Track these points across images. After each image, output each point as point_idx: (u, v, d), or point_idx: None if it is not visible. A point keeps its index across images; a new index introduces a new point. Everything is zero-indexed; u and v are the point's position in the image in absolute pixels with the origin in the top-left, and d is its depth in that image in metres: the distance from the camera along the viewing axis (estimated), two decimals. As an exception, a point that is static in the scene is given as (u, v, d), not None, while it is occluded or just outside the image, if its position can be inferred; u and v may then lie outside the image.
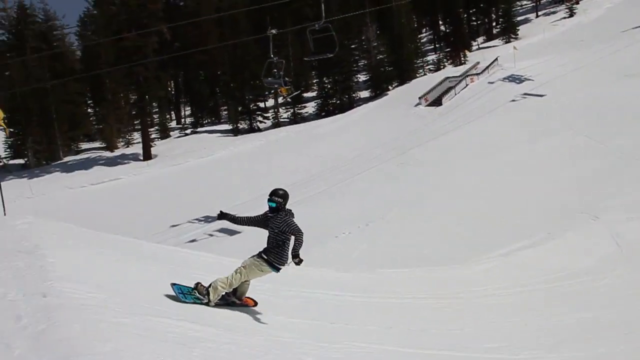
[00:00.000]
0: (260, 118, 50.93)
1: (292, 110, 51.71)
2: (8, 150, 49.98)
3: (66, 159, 46.74)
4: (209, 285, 5.84)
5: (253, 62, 48.75)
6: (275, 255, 5.96)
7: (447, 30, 60.18)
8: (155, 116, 56.70)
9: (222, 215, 6.29)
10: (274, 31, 11.88)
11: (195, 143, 44.42)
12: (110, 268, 6.30)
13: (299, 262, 5.75)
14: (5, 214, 8.61)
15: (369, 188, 25.94)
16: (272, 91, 55.23)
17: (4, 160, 47.73)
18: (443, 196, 22.89)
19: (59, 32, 55.31)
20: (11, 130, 40.65)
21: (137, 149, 45.17)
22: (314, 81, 55.68)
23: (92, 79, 48.92)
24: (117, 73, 44.31)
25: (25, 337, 3.81)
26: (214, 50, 48.34)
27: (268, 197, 6.14)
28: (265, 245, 6.05)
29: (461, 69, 47.73)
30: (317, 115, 50.24)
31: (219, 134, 48.00)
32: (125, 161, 42.17)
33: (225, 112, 55.93)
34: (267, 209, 6.18)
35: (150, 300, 5.43)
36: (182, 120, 60.46)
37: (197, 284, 5.90)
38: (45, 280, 5.00)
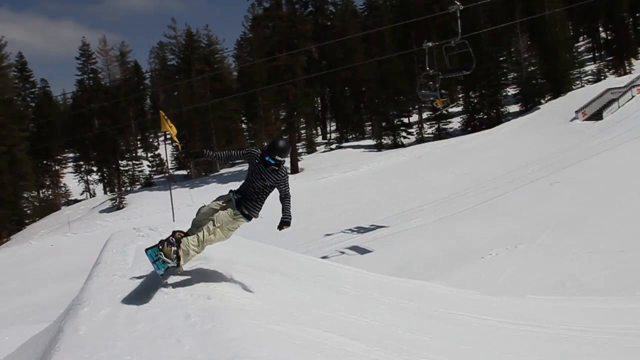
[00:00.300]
0: (404, 134, 50.85)
1: (436, 126, 50.89)
2: (174, 162, 55.48)
3: (222, 170, 50.63)
4: (178, 248, 5.23)
5: (397, 78, 48.97)
6: (255, 207, 5.49)
7: (609, 37, 55.27)
8: (302, 131, 59.19)
9: (196, 154, 5.84)
10: (429, 44, 11.79)
11: (340, 158, 45.55)
12: (264, 276, 6.66)
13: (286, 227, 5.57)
14: (174, 220, 9.51)
15: (519, 208, 24.49)
16: (417, 106, 54.94)
17: (170, 171, 53.07)
18: (604, 219, 20.86)
19: (219, 55, 60.45)
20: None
21: (285, 162, 47.41)
22: (460, 96, 54.32)
23: (246, 97, 52.56)
24: (268, 91, 47.10)
25: (194, 334, 4.15)
26: (359, 67, 49.36)
27: (267, 149, 5.43)
28: (242, 193, 5.44)
29: (626, 79, 43.49)
30: (462, 131, 48.89)
31: (363, 149, 48.77)
32: (274, 174, 44.45)
33: (370, 128, 56.65)
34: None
35: (301, 309, 5.63)
36: (328, 135, 62.36)
37: (163, 242, 5.26)
38: (208, 283, 5.42)
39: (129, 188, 51.86)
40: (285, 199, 5.60)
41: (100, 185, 61.11)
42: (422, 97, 12.61)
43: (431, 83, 11.90)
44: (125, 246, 7.60)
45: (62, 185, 60.03)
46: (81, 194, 60.71)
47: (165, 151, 16.66)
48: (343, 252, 22.43)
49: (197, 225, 5.52)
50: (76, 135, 58.10)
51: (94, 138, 56.38)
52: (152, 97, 75.52)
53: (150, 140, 76.89)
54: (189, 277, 5.63)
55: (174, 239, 5.25)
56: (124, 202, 41.61)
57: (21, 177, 49.03)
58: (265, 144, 5.70)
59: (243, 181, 5.61)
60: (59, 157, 61.50)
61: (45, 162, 58.43)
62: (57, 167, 60.77)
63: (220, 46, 61.60)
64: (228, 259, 6.95)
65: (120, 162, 58.13)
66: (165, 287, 5.36)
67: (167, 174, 32.72)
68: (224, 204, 5.44)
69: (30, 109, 58.81)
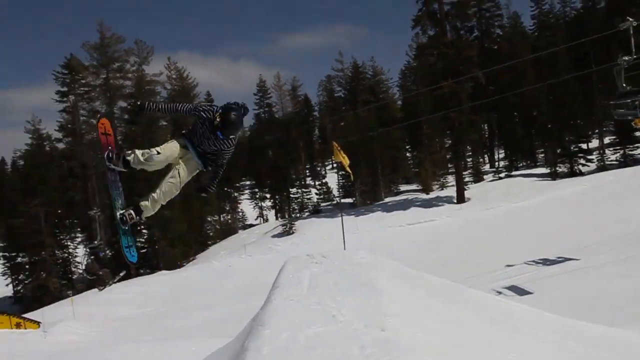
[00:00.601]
0: (582, 161, 46.73)
1: (621, 152, 45.96)
2: (340, 190, 57.32)
3: (387, 199, 50.99)
4: (140, 214, 5.30)
5: (573, 101, 45.42)
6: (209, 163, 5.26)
7: None
8: (468, 160, 57.51)
9: (139, 108, 5.35)
10: (625, 58, 10.76)
11: (509, 187, 43.23)
12: (436, 309, 6.50)
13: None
14: (345, 248, 9.77)
15: None
16: (597, 131, 50.30)
17: (337, 198, 54.85)
18: None
19: (384, 85, 61.68)
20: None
21: (451, 191, 46.28)
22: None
23: (411, 125, 52.62)
24: (433, 119, 46.65)
25: (370, 365, 4.18)
26: (530, 91, 46.72)
27: (220, 125, 4.98)
28: (201, 149, 5.17)
29: None
30: (654, 157, 43.59)
31: (535, 178, 45.72)
32: (440, 203, 43.56)
33: (542, 155, 53.13)
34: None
35: (478, 349, 5.38)
36: (496, 163, 59.76)
37: (126, 220, 5.32)
38: (382, 314, 5.43)
39: (298, 214, 54.65)
40: (221, 167, 5.34)
41: (273, 212, 65.52)
42: (619, 116, 11.52)
43: (629, 101, 10.79)
44: (299, 272, 7.95)
45: (239, 210, 65.51)
46: (255, 219, 65.59)
47: (338, 180, 17.24)
48: (500, 292, 20.99)
49: (144, 158, 5.18)
50: (252, 165, 63.38)
51: (268, 167, 60.86)
52: (320, 128, 79.33)
53: (318, 169, 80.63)
54: (363, 307, 5.71)
55: (132, 213, 5.33)
56: (293, 228, 43.84)
57: (206, 203, 54.54)
58: (215, 107, 5.13)
59: (193, 132, 5.24)
60: (237, 184, 67.27)
61: (225, 189, 64.21)
62: (235, 194, 66.44)
63: (385, 76, 62.89)
64: (398, 289, 6.93)
65: (290, 190, 61.85)
66: (340, 315, 5.50)
67: (335, 202, 33.93)
68: (180, 156, 5.25)
69: (214, 141, 65.33)
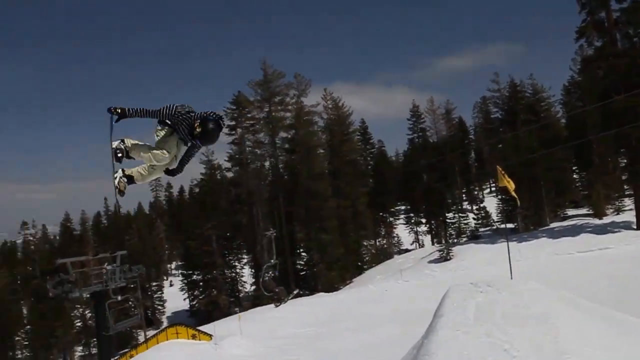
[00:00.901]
0: None
1: None
2: (499, 215, 54.66)
3: (552, 224, 47.52)
4: (132, 182, 5.32)
5: None
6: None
7: None
8: (650, 180, 51.46)
9: (119, 115, 4.92)
10: None
11: (703, 211, 37.73)
12: (624, 350, 5.89)
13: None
14: (511, 277, 9.31)
15: None
16: None
17: (497, 224, 52.30)
18: None
19: (545, 104, 57.97)
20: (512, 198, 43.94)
21: (629, 216, 41.70)
22: None
23: (577, 145, 48.66)
24: (604, 137, 42.65)
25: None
26: None
27: (199, 135, 4.91)
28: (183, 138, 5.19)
29: None
30: None
31: None
32: (616, 229, 39.41)
33: None
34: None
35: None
36: (685, 184, 52.63)
37: (121, 186, 5.27)
38: (560, 352, 5.08)
39: (455, 240, 53.08)
40: (191, 156, 5.42)
41: (428, 237, 64.49)
42: None
43: None
44: (464, 301, 7.74)
45: (394, 235, 65.57)
46: (411, 244, 65.08)
47: (504, 205, 16.55)
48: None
49: (157, 160, 5.26)
50: (407, 190, 63.28)
51: (423, 192, 60.28)
52: (477, 151, 76.70)
53: (475, 193, 77.87)
54: (538, 342, 5.39)
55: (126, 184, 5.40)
56: (451, 253, 42.61)
57: (361, 227, 55.50)
58: (194, 114, 5.03)
59: (175, 126, 5.17)
60: (392, 209, 67.49)
61: (380, 214, 64.78)
62: (390, 219, 66.67)
63: (547, 94, 59.05)
64: (578, 325, 6.42)
65: (446, 214, 60.52)
66: (513, 349, 5.24)
67: (495, 227, 32.40)
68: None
69: (369, 167, 66.56)
